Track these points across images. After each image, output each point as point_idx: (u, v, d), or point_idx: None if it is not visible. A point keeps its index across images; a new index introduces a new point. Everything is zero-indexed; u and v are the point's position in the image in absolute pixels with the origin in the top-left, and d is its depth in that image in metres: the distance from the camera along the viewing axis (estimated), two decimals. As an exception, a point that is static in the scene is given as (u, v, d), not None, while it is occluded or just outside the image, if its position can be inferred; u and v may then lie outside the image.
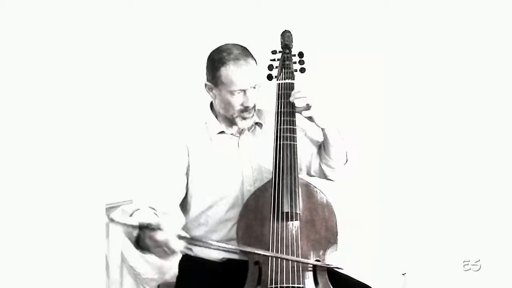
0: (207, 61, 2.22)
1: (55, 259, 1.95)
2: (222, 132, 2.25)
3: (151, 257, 3.01)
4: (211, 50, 2.25)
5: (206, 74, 2.22)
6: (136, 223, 1.89)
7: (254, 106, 2.21)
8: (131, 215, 2.13)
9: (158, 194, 2.18)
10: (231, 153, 2.25)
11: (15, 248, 1.92)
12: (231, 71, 2.14)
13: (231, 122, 2.23)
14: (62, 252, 1.97)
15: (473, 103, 2.66)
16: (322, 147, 2.30)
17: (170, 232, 1.90)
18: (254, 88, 2.18)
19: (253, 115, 2.23)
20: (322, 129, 2.22)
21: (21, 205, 1.93)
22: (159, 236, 1.88)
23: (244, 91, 2.16)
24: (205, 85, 2.22)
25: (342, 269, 2.10)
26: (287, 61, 2.30)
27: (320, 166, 2.31)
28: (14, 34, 1.92)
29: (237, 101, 2.17)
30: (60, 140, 1.98)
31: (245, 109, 2.18)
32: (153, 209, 2.15)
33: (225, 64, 2.15)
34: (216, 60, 2.17)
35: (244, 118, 2.21)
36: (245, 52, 2.18)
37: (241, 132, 2.27)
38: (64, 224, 1.97)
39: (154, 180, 2.21)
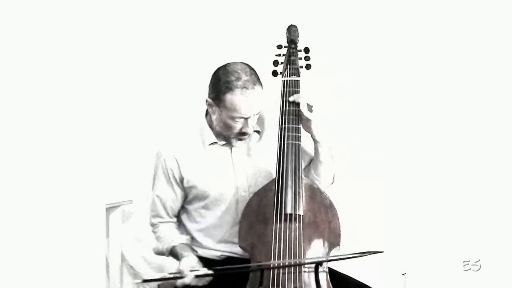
0: (212, 78, 2.15)
1: (55, 259, 1.94)
2: (215, 143, 2.24)
3: (151, 257, 3.04)
4: (213, 51, 2.24)
5: (209, 90, 2.16)
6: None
7: (250, 134, 2.20)
8: (151, 226, 2.36)
9: (163, 207, 2.30)
10: (225, 160, 2.24)
11: (15, 249, 1.91)
12: (237, 99, 2.08)
13: (226, 139, 2.22)
14: (62, 252, 1.96)
15: (473, 104, 2.65)
16: (311, 163, 2.29)
17: (189, 277, 2.08)
18: (255, 115, 2.15)
19: (249, 136, 2.21)
20: (315, 143, 2.21)
21: (21, 205, 1.93)
22: (179, 282, 2.09)
23: (246, 119, 2.12)
24: (206, 100, 2.17)
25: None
26: (292, 56, 2.24)
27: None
28: (13, 34, 1.92)
29: (237, 126, 2.13)
30: (60, 140, 1.98)
31: (243, 134, 2.16)
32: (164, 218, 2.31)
33: (232, 90, 2.08)
34: (223, 83, 2.10)
35: (240, 139, 2.20)
36: (253, 78, 2.11)
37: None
38: (64, 224, 1.96)
39: (158, 194, 2.29)
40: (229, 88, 2.08)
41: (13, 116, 1.93)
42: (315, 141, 2.21)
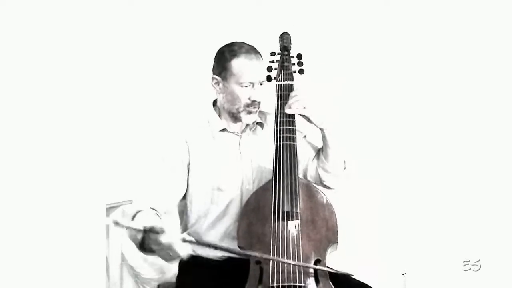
0: (217, 54, 2.25)
1: (55, 259, 1.94)
2: (224, 129, 2.26)
3: (151, 257, 3.02)
4: (212, 50, 2.26)
5: (214, 68, 2.25)
6: (141, 227, 1.87)
7: (259, 102, 2.23)
8: (133, 217, 2.12)
9: (158, 194, 2.18)
10: (232, 152, 2.26)
11: (15, 248, 1.91)
12: (243, 63, 2.19)
13: (235, 117, 2.25)
14: (62, 252, 1.96)
15: (472, 104, 2.66)
16: (320, 151, 2.30)
17: (174, 235, 1.89)
18: (261, 84, 2.22)
19: (257, 110, 2.24)
20: (321, 130, 2.23)
21: (21, 205, 1.93)
22: (164, 239, 1.87)
23: (253, 84, 2.20)
24: (212, 78, 2.25)
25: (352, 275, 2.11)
26: (286, 62, 2.31)
27: (316, 170, 2.31)
28: (13, 34, 1.92)
29: (245, 94, 2.20)
30: (60, 140, 1.97)
31: (252, 103, 2.21)
32: (154, 209, 2.16)
33: (237, 56, 2.19)
34: (228, 53, 2.21)
35: (249, 113, 2.23)
36: (254, 50, 2.22)
37: (243, 130, 2.27)
38: (64, 224, 1.96)
39: (154, 179, 2.21)
40: (234, 55, 2.20)
41: (13, 116, 1.93)
42: (320, 129, 2.23)
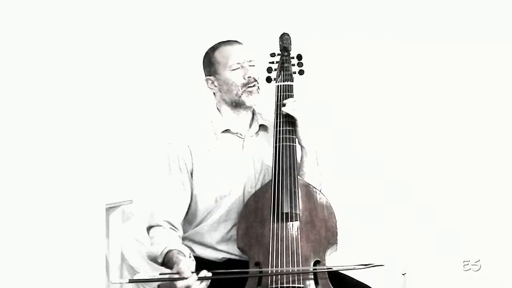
0: (203, 60, 2.32)
1: (55, 259, 1.95)
2: (227, 130, 2.27)
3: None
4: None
5: (204, 71, 2.31)
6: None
7: (255, 80, 2.25)
8: (149, 228, 2.22)
9: (170, 209, 2.22)
10: (235, 155, 2.26)
11: (15, 248, 1.92)
12: (224, 49, 2.26)
13: (238, 104, 2.26)
14: (62, 252, 1.97)
15: (472, 104, 2.66)
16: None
17: (191, 279, 1.96)
18: (251, 65, 2.25)
19: (258, 90, 2.26)
20: (302, 148, 2.22)
21: (21, 205, 1.93)
22: (180, 284, 1.96)
23: (242, 65, 2.24)
24: (206, 80, 2.29)
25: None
26: (285, 63, 2.32)
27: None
28: (12, 34, 1.92)
29: (238, 76, 2.24)
30: (60, 140, 1.98)
31: (248, 81, 2.23)
32: (169, 223, 2.21)
33: (218, 47, 2.28)
34: (209, 50, 2.30)
35: (250, 93, 2.25)
36: (233, 40, 2.30)
37: (247, 130, 2.28)
38: (64, 224, 1.96)
39: (163, 194, 2.24)
40: (214, 48, 2.29)
41: (13, 115, 1.93)
42: (302, 147, 2.22)
